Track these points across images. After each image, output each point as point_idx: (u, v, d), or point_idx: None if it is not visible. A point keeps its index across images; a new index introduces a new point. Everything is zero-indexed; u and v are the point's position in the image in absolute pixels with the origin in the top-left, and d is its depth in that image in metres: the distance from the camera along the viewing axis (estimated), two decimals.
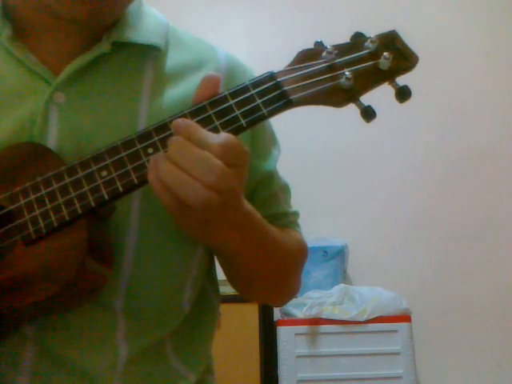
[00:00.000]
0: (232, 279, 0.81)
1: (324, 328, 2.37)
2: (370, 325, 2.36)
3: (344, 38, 0.71)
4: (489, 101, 2.94)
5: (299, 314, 2.40)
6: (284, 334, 2.38)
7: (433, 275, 2.78)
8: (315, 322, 2.36)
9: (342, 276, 2.64)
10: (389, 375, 2.33)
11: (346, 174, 2.89)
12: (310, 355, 2.35)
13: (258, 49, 2.90)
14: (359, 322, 2.36)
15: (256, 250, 0.73)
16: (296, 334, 2.37)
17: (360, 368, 2.33)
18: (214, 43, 0.85)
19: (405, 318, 2.40)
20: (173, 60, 0.79)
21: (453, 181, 2.88)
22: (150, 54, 0.77)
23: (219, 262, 0.81)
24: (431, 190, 2.88)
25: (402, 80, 0.67)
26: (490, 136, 2.90)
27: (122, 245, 0.70)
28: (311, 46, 0.67)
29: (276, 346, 2.38)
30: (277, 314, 2.50)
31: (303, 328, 2.37)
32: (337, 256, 2.62)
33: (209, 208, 0.59)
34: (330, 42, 0.67)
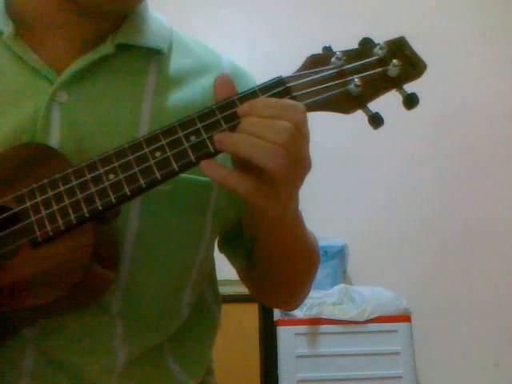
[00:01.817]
0: (264, 283, 0.82)
1: (324, 328, 2.37)
2: (370, 325, 2.36)
3: (343, 39, 0.70)
4: (484, 102, 2.93)
5: (299, 314, 2.39)
6: (284, 334, 2.37)
7: (433, 275, 2.78)
8: (315, 322, 2.36)
9: (341, 276, 2.64)
10: (389, 375, 2.33)
11: (345, 174, 2.89)
12: (309, 355, 2.35)
13: (258, 51, 2.90)
14: (359, 322, 2.35)
15: (300, 248, 0.75)
16: (296, 334, 2.36)
17: (360, 368, 2.33)
18: (214, 45, 0.85)
19: (405, 318, 2.40)
20: (176, 64, 0.78)
21: (453, 180, 2.88)
22: (154, 57, 0.77)
23: (259, 265, 0.80)
24: (431, 189, 2.87)
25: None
26: (489, 137, 2.90)
27: (120, 247, 0.70)
28: (310, 48, 0.67)
29: (276, 346, 2.37)
30: (277, 313, 2.49)
31: (303, 328, 2.37)
32: (337, 256, 2.62)
33: (280, 168, 0.58)
34: (328, 43, 0.67)
